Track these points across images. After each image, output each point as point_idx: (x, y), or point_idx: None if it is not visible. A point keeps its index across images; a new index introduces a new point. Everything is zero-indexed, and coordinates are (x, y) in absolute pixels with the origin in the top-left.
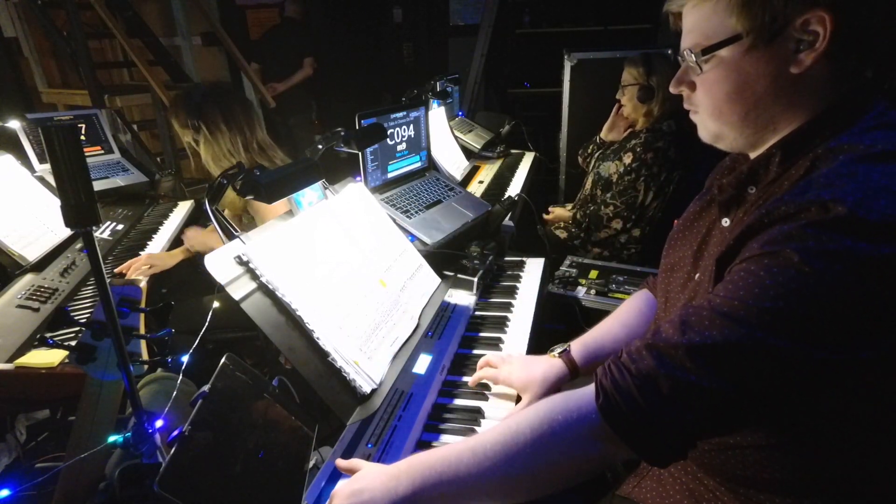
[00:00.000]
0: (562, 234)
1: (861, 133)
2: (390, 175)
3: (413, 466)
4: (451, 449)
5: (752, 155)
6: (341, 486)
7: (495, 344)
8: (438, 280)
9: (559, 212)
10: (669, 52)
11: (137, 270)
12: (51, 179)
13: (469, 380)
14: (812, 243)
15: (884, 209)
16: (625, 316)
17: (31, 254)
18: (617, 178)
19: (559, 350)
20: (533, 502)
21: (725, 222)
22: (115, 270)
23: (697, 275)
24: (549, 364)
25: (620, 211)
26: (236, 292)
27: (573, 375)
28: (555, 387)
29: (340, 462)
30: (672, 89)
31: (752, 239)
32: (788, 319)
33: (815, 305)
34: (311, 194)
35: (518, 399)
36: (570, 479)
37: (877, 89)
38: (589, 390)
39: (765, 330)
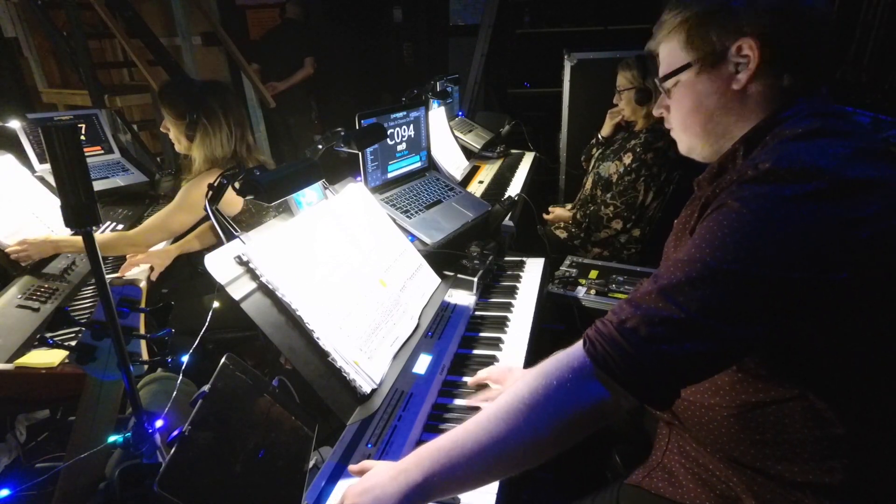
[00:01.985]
0: (562, 234)
1: (796, 122)
2: (390, 175)
3: (421, 455)
4: (458, 428)
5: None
6: (350, 485)
7: (495, 344)
8: (438, 280)
9: (559, 212)
10: None
11: (134, 265)
12: (51, 179)
13: (469, 380)
14: (746, 192)
15: (801, 160)
16: None
17: None
18: (617, 178)
19: None
20: (536, 497)
21: None
22: (117, 274)
23: None
24: None
25: (621, 211)
26: (236, 292)
27: None
28: None
29: (352, 467)
30: (654, 112)
31: (707, 208)
32: (736, 249)
33: (757, 235)
34: (311, 194)
35: None
36: (573, 433)
37: (810, 88)
38: (577, 345)
39: (717, 261)
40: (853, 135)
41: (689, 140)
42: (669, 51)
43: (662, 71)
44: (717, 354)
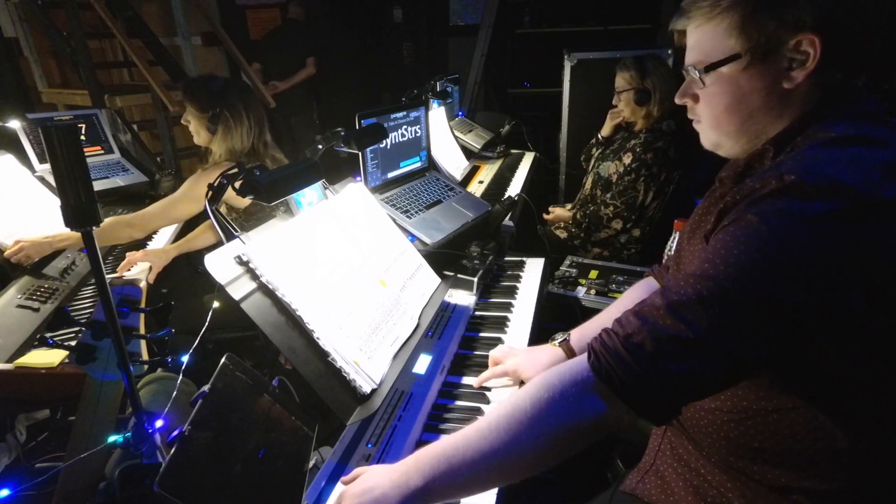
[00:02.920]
0: (562, 234)
1: (836, 122)
2: (390, 175)
3: (421, 459)
4: (458, 434)
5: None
6: (349, 486)
7: (495, 344)
8: (438, 280)
9: (559, 212)
10: (669, 52)
11: (132, 264)
12: (51, 179)
13: (474, 381)
14: (768, 206)
15: (830, 175)
16: (624, 306)
17: None
18: (617, 178)
19: (560, 339)
20: (535, 498)
21: None
22: (116, 273)
23: None
24: (552, 352)
25: (620, 211)
26: (236, 292)
27: None
28: None
29: (345, 479)
30: (677, 100)
31: (726, 216)
32: (751, 268)
33: (774, 255)
34: (311, 194)
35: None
36: (573, 442)
37: (852, 85)
38: (582, 356)
39: (731, 280)
40: (894, 144)
41: (717, 137)
42: (711, 35)
43: (696, 57)
44: (722, 374)
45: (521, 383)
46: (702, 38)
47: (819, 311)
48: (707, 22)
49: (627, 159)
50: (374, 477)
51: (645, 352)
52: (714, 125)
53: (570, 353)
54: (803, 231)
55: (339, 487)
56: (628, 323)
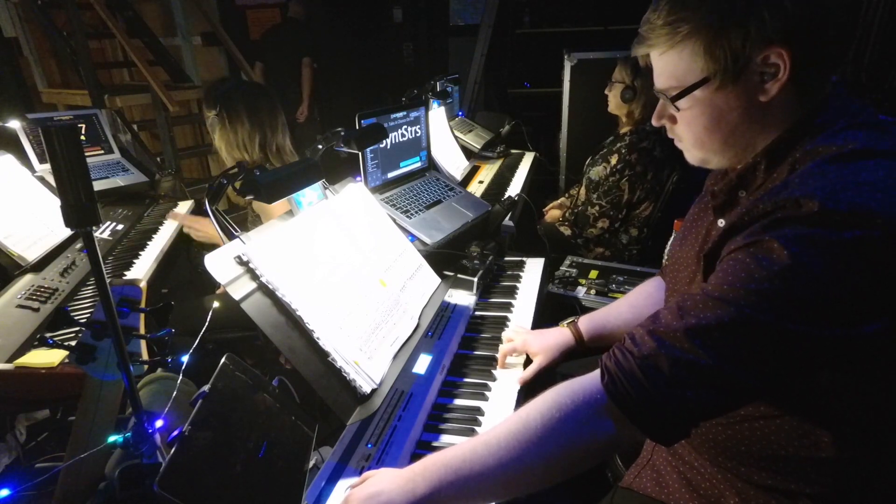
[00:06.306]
0: (566, 231)
1: (834, 135)
2: (390, 175)
3: (428, 467)
4: (465, 445)
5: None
6: (356, 489)
7: (495, 344)
8: (438, 280)
9: (554, 213)
10: None
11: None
12: (51, 179)
13: (474, 381)
14: (789, 231)
15: (851, 199)
16: (633, 298)
17: (32, 254)
18: (602, 179)
19: (569, 321)
20: (536, 498)
21: (721, 223)
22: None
23: (699, 274)
24: (560, 332)
25: (606, 210)
26: (236, 292)
27: (579, 345)
28: (565, 353)
29: (356, 480)
30: (654, 123)
31: (735, 235)
32: (773, 298)
33: (796, 285)
34: (311, 194)
35: (520, 391)
36: (582, 463)
37: (849, 92)
38: (594, 374)
39: (753, 308)
40: None
41: (703, 154)
42: (676, 61)
43: (665, 83)
44: (737, 401)
45: (526, 361)
46: (667, 64)
47: (842, 340)
48: (670, 49)
49: (613, 160)
50: (381, 482)
51: (662, 376)
52: (697, 145)
53: (578, 334)
54: (828, 261)
55: (339, 487)
56: (643, 343)
